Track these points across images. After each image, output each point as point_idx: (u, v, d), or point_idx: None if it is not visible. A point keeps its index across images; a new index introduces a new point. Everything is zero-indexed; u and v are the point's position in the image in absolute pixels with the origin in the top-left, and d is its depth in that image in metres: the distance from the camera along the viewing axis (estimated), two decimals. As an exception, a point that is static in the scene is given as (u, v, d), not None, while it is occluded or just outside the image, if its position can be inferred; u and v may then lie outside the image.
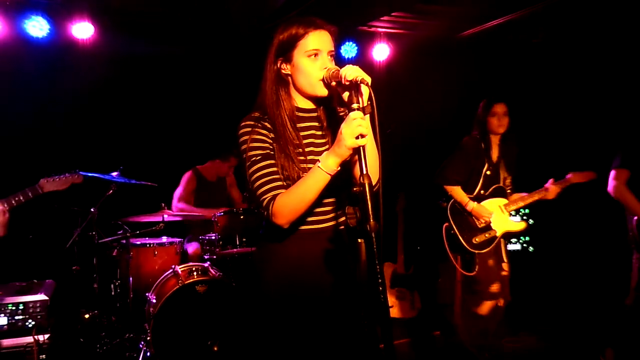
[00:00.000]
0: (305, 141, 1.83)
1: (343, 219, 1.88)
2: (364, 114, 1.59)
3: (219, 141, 4.70)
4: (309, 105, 1.88)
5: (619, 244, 3.44)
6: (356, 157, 1.60)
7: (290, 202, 1.71)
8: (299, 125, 1.84)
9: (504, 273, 3.50)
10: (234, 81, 5.31)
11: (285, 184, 1.77)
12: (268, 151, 1.79)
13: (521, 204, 3.53)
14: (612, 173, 3.26)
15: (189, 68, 5.11)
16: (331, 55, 1.80)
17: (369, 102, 1.59)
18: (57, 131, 4.66)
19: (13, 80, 4.44)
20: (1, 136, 4.42)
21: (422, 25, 5.01)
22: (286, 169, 1.78)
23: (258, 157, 1.78)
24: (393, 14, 4.75)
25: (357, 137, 1.56)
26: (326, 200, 1.84)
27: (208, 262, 3.75)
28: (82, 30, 4.37)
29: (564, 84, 4.78)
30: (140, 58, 4.83)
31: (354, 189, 1.50)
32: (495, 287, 3.45)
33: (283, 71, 1.84)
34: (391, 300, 4.30)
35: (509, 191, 3.58)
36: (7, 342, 2.94)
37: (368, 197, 1.52)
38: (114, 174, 3.77)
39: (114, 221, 3.91)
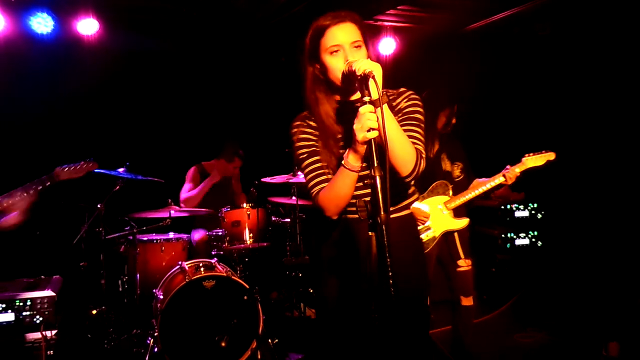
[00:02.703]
0: (342, 138, 1.87)
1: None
2: (375, 107, 1.57)
3: (225, 137, 4.68)
4: (345, 96, 1.89)
5: (627, 237, 3.41)
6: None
7: (330, 197, 1.82)
8: (341, 119, 1.87)
9: (460, 269, 3.35)
10: (240, 76, 5.30)
11: (330, 177, 1.85)
12: (314, 148, 1.89)
13: (463, 199, 3.32)
14: None
15: (194, 63, 5.10)
16: (357, 46, 1.78)
17: (379, 95, 1.57)
18: (63, 127, 4.67)
19: (18, 77, 4.44)
20: (7, 132, 4.43)
21: (428, 19, 4.97)
22: (329, 163, 1.86)
23: (305, 155, 1.89)
24: (399, 7, 4.72)
25: (367, 131, 1.56)
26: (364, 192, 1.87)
27: (215, 258, 3.74)
28: (87, 26, 4.36)
29: (570, 76, 4.74)
30: (146, 54, 4.83)
31: (366, 181, 1.50)
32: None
33: (316, 71, 1.87)
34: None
35: (457, 181, 3.39)
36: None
37: (379, 189, 1.51)
38: (121, 170, 3.77)
39: (120, 217, 3.91)
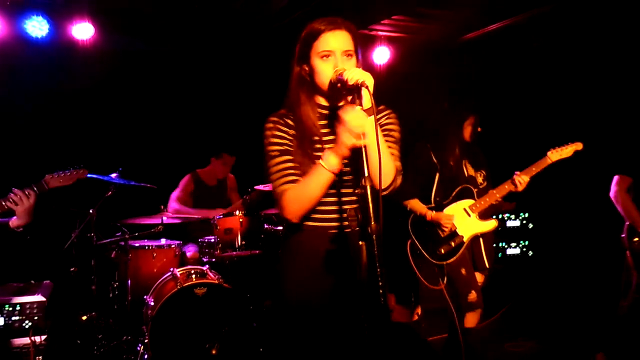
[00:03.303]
0: (325, 138, 1.85)
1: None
2: (367, 116, 1.59)
3: (219, 142, 4.69)
4: (330, 102, 1.90)
5: (615, 248, 3.44)
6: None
7: (297, 197, 1.77)
8: (321, 122, 1.87)
9: (479, 278, 3.31)
10: (237, 82, 5.32)
11: (300, 179, 1.81)
12: (286, 147, 1.84)
13: (489, 200, 3.28)
14: (615, 178, 3.27)
15: (190, 69, 5.11)
16: (348, 55, 1.79)
17: (370, 105, 1.59)
18: (57, 132, 4.65)
19: (12, 80, 4.43)
20: (0, 136, 4.41)
21: (423, 29, 5.02)
22: (303, 165, 1.82)
23: (276, 153, 1.84)
24: (393, 17, 4.76)
25: (359, 137, 1.58)
26: (345, 199, 1.86)
27: (207, 265, 3.73)
28: (82, 30, 4.36)
29: (563, 86, 4.79)
30: (141, 59, 4.84)
31: (356, 190, 1.51)
32: (472, 296, 3.20)
33: (304, 73, 1.87)
34: (391, 304, 4.28)
35: (481, 187, 3.34)
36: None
37: (369, 199, 1.52)
38: (113, 175, 3.76)
39: (112, 223, 3.89)
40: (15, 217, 2.69)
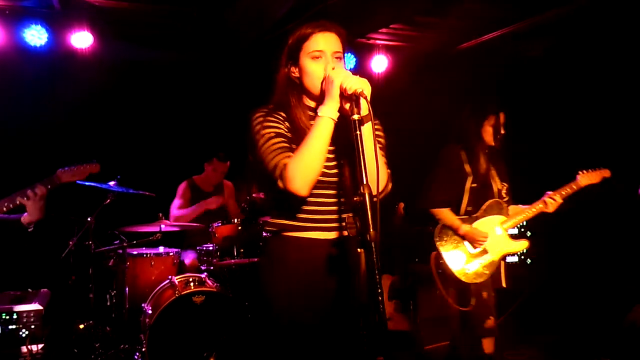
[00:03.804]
0: None
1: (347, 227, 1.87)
2: (363, 124, 1.61)
3: (215, 149, 4.69)
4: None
5: (616, 253, 3.42)
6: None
7: (301, 161, 1.68)
8: (310, 123, 1.84)
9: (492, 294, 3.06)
10: (233, 91, 5.32)
11: None
12: (282, 130, 1.79)
13: (521, 218, 3.06)
14: None
15: (187, 78, 5.12)
16: (338, 57, 1.81)
17: (368, 113, 1.62)
18: (55, 140, 4.65)
19: (11, 89, 4.44)
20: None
21: (420, 38, 5.05)
22: None
23: (271, 134, 1.77)
24: (391, 26, 4.80)
25: (355, 91, 1.60)
26: (329, 208, 1.84)
27: (205, 273, 3.72)
28: (81, 39, 4.38)
29: (561, 96, 4.81)
30: (139, 68, 4.85)
31: (355, 198, 1.51)
32: (490, 322, 2.98)
33: (292, 74, 1.86)
34: (389, 312, 4.27)
35: (505, 203, 3.12)
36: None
37: (368, 206, 1.52)
38: (112, 183, 3.76)
39: (110, 231, 3.88)
40: (26, 214, 2.67)
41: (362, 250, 1.55)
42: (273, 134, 1.77)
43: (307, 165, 1.69)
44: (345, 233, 1.83)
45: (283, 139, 1.77)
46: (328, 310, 1.82)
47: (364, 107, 1.62)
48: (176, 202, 4.54)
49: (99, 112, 4.82)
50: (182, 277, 3.61)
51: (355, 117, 1.60)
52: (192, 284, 3.49)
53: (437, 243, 3.00)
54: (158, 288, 3.63)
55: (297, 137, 1.78)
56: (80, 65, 4.48)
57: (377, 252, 1.50)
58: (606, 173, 3.15)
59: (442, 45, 5.16)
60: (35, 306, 3.03)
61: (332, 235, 1.84)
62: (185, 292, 3.33)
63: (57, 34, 4.40)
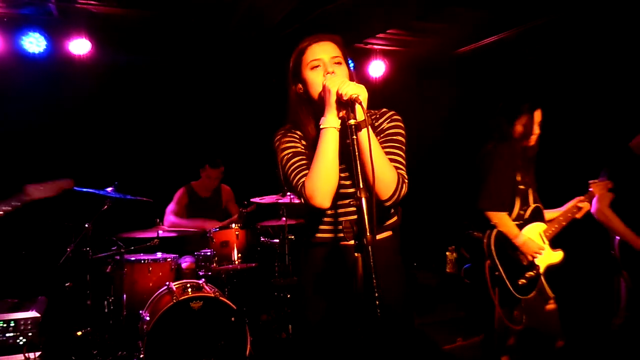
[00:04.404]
0: None
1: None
2: (360, 129, 1.61)
3: (214, 156, 4.69)
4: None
5: (604, 264, 3.40)
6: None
7: (315, 175, 1.74)
8: None
9: (550, 307, 2.81)
10: (232, 97, 5.34)
11: None
12: (299, 149, 1.86)
13: (558, 227, 2.83)
14: (596, 196, 3.10)
15: (185, 84, 5.13)
16: (337, 62, 1.82)
17: (364, 119, 1.62)
18: (53, 146, 4.66)
19: (10, 96, 4.44)
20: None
21: (418, 43, 5.07)
22: None
23: (289, 155, 1.85)
24: (389, 31, 4.82)
25: (348, 96, 1.61)
26: (335, 212, 1.88)
27: (203, 279, 3.71)
28: (80, 46, 4.40)
29: (559, 99, 4.82)
30: (137, 74, 4.86)
31: (351, 202, 1.52)
32: (511, 341, 2.81)
33: (299, 91, 1.88)
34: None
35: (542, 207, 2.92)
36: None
37: (365, 211, 1.52)
38: (109, 189, 3.75)
39: (108, 237, 3.87)
40: None
41: (359, 255, 1.56)
42: (291, 154, 1.84)
43: (322, 180, 1.73)
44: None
45: (301, 157, 1.83)
46: (335, 311, 1.88)
47: (360, 113, 1.62)
48: (171, 206, 4.54)
49: (97, 118, 4.83)
50: (179, 283, 3.60)
51: (352, 122, 1.61)
52: (189, 289, 3.48)
53: (494, 251, 2.72)
54: (156, 294, 3.62)
55: (313, 153, 1.81)
56: (79, 72, 4.50)
57: (374, 256, 1.50)
58: (609, 185, 3.02)
59: (439, 50, 5.18)
60: (32, 314, 3.01)
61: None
62: (183, 297, 3.32)
63: (55, 41, 4.42)
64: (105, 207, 3.75)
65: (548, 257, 2.83)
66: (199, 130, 5.25)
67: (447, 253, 5.27)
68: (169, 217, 4.47)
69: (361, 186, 1.54)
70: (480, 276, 2.73)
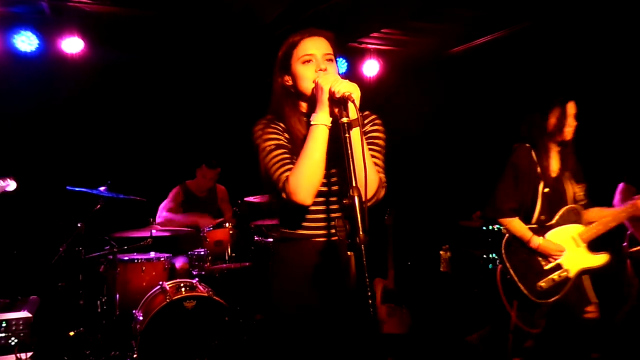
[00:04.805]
0: None
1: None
2: (352, 128, 1.61)
3: (208, 155, 4.68)
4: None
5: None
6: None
7: (301, 172, 1.70)
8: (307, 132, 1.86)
9: (589, 316, 2.69)
10: (225, 95, 5.33)
11: None
12: (282, 141, 1.81)
13: (601, 228, 2.69)
14: (620, 186, 3.14)
15: (179, 82, 5.12)
16: (329, 59, 1.82)
17: (356, 117, 1.62)
18: (46, 145, 4.63)
19: (1, 95, 4.42)
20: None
21: (412, 42, 5.08)
22: None
23: (272, 147, 1.79)
24: (383, 30, 4.82)
25: (342, 94, 1.61)
26: (328, 215, 1.85)
27: (197, 278, 3.70)
28: (72, 45, 4.37)
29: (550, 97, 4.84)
30: (130, 73, 4.84)
31: (344, 201, 1.52)
32: (529, 343, 2.77)
33: (286, 83, 1.87)
34: (382, 316, 4.26)
35: (581, 207, 2.78)
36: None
37: (357, 209, 1.52)
38: (102, 188, 3.74)
39: (101, 236, 3.85)
40: None
41: (352, 253, 1.56)
42: (273, 146, 1.79)
43: (308, 176, 1.71)
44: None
45: (284, 151, 1.79)
46: (324, 309, 1.84)
47: (352, 111, 1.62)
48: (166, 204, 4.52)
49: (90, 117, 4.81)
50: (173, 282, 3.59)
51: (344, 120, 1.60)
52: (183, 289, 3.47)
53: (505, 256, 2.72)
54: (149, 294, 3.60)
55: (295, 147, 1.79)
56: (71, 71, 4.47)
57: (366, 255, 1.50)
58: None
59: (433, 50, 5.19)
60: (24, 314, 2.99)
61: (332, 238, 1.86)
62: (177, 297, 3.31)
63: (47, 39, 4.40)
64: (98, 206, 3.73)
65: (582, 260, 2.69)
66: (192, 129, 5.24)
67: (441, 252, 5.28)
68: (163, 213, 4.45)
69: (354, 184, 1.54)
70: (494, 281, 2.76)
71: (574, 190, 2.77)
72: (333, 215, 1.84)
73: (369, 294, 1.51)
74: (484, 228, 5.03)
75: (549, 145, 2.74)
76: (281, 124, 1.85)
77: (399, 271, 4.44)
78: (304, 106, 1.88)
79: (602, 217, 2.72)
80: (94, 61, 4.54)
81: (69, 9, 4.26)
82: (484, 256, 4.98)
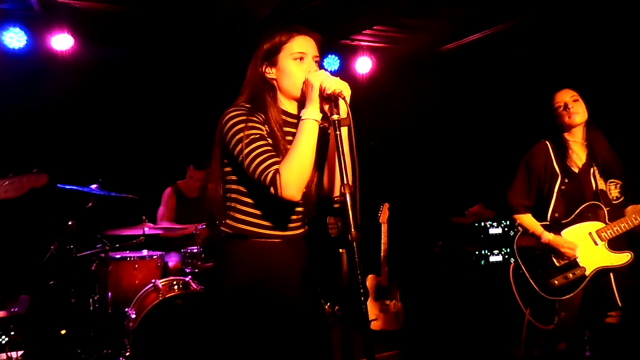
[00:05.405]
0: (289, 145, 1.81)
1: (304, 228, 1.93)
2: (342, 126, 1.62)
3: (198, 153, 4.66)
4: (295, 109, 1.88)
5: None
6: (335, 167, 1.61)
7: (293, 165, 1.66)
8: (285, 129, 1.84)
9: (610, 321, 2.67)
10: (217, 92, 5.30)
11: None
12: (264, 133, 1.76)
13: (625, 227, 2.60)
14: None
15: (170, 80, 5.09)
16: (316, 61, 1.84)
17: (347, 115, 1.63)
18: (36, 143, 4.59)
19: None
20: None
21: (404, 39, 5.08)
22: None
23: (257, 136, 1.72)
24: (375, 27, 4.81)
25: (333, 90, 1.62)
26: (293, 215, 1.87)
27: (189, 276, 3.69)
28: (61, 41, 4.33)
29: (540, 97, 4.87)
30: (120, 70, 4.80)
31: (335, 197, 1.52)
32: (562, 346, 2.69)
33: (268, 75, 1.86)
34: (375, 312, 4.28)
35: (615, 204, 2.68)
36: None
37: (349, 206, 1.52)
38: (94, 186, 3.72)
39: (93, 234, 3.83)
40: None
41: (343, 250, 1.56)
42: (259, 136, 1.72)
43: (299, 171, 1.67)
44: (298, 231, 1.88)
45: (269, 142, 1.73)
46: (298, 307, 1.86)
47: (343, 109, 1.63)
48: (161, 210, 4.50)
49: (80, 115, 4.77)
50: (166, 280, 3.58)
51: (335, 117, 1.61)
52: (176, 286, 3.46)
53: (517, 252, 2.75)
54: (142, 292, 3.59)
55: (275, 140, 1.76)
56: (61, 68, 4.43)
57: (358, 252, 1.50)
58: None
59: (425, 47, 5.19)
60: (14, 312, 2.97)
61: (295, 236, 1.88)
62: (169, 295, 3.30)
63: (36, 36, 4.34)
64: (90, 204, 3.71)
65: (601, 258, 2.64)
66: (184, 127, 5.21)
67: (435, 249, 5.31)
68: (162, 223, 4.41)
69: (346, 181, 1.54)
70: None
71: (600, 186, 2.69)
72: (297, 209, 1.87)
73: (361, 290, 1.51)
74: (476, 225, 5.07)
75: (565, 138, 2.73)
76: (260, 115, 1.79)
77: (393, 268, 4.45)
78: (282, 101, 1.87)
79: (627, 216, 2.65)
80: (83, 58, 4.50)
81: (58, 5, 4.22)
82: (476, 252, 5.01)
